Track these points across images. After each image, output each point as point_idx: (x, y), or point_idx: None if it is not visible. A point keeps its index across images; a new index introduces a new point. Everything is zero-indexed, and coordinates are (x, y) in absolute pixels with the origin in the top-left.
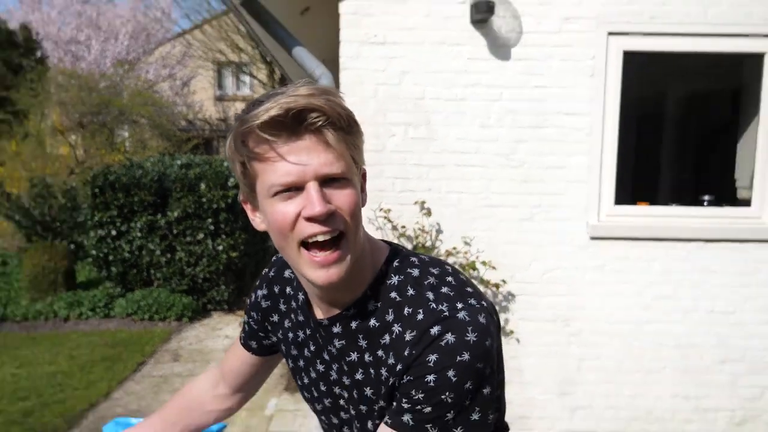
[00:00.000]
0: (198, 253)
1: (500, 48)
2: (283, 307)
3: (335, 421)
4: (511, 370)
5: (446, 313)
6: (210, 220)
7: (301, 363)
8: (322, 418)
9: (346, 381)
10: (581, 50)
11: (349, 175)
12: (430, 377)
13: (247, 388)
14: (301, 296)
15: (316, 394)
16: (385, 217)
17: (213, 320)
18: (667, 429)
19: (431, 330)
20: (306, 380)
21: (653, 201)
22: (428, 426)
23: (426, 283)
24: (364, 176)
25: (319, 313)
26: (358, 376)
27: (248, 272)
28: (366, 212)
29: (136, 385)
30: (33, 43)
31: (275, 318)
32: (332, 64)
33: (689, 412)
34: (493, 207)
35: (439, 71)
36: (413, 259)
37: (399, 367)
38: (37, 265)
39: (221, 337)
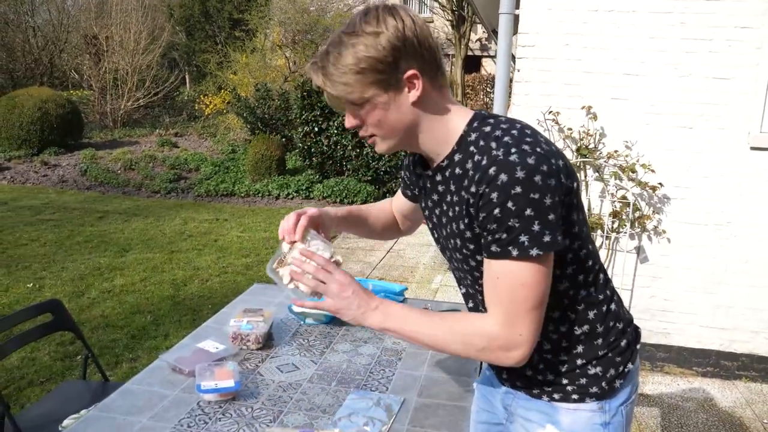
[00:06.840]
0: None
1: None
2: (415, 168)
3: (447, 255)
4: (660, 266)
5: (500, 157)
6: None
7: (426, 211)
8: (441, 254)
9: (444, 219)
10: None
11: (363, 100)
12: (496, 210)
13: (413, 218)
14: (417, 156)
15: (436, 235)
16: (554, 120)
17: None
18: None
19: (489, 171)
20: (430, 224)
21: None
22: (510, 248)
23: (494, 135)
24: (410, 78)
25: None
26: (451, 213)
27: None
28: (535, 114)
29: None
30: None
31: (414, 177)
32: None
33: None
34: (656, 114)
35: None
36: (490, 119)
37: (471, 200)
38: (258, 153)
39: None
